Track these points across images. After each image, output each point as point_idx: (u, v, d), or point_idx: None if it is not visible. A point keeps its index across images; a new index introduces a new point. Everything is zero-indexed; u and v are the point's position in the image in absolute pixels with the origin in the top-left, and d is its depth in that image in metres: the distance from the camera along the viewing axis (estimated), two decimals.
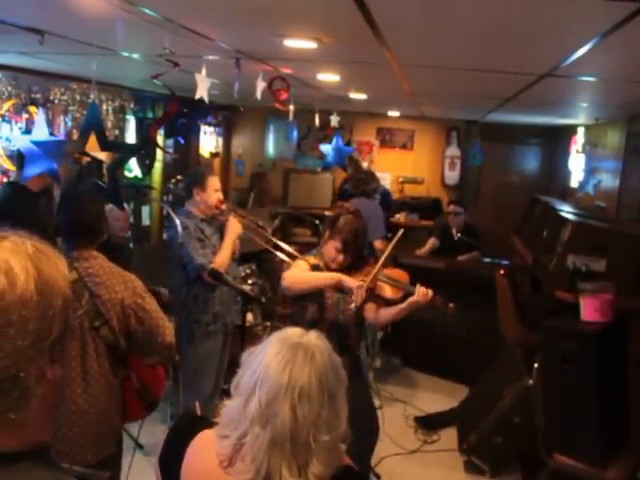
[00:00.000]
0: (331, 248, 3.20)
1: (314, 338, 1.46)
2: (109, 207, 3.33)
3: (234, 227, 3.78)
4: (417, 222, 7.97)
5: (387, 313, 3.32)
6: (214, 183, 3.75)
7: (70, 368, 2.46)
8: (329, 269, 3.24)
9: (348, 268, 3.24)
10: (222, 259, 3.65)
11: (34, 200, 3.45)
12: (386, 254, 3.27)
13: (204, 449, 1.47)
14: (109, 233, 3.59)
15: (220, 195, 3.79)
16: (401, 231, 3.31)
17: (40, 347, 0.92)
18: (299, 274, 3.20)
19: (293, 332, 1.48)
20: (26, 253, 0.94)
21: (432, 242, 6.32)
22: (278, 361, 1.38)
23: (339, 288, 3.22)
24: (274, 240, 3.96)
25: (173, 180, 6.88)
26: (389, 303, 3.27)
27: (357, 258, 3.26)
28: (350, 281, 3.11)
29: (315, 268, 3.22)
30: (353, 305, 3.09)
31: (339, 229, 3.19)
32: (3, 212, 3.35)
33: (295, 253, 3.69)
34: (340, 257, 3.19)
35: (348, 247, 3.18)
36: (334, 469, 1.40)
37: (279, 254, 3.94)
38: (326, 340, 1.50)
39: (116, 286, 2.55)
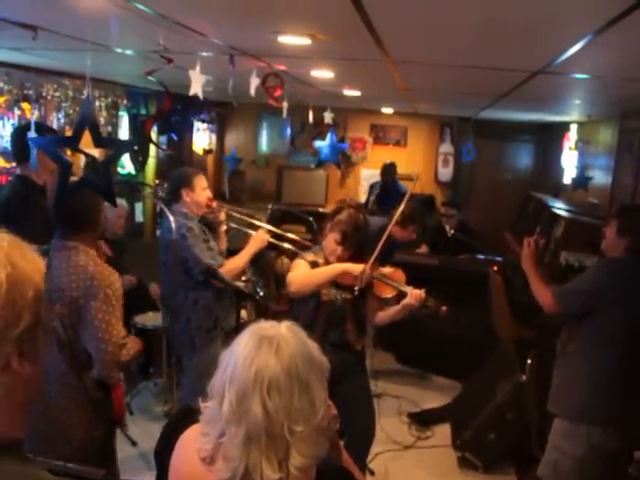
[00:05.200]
0: (331, 240, 3.20)
1: (281, 329, 1.45)
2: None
3: (260, 239, 3.69)
4: None
5: (383, 314, 3.33)
6: (201, 182, 3.68)
7: None
8: (328, 264, 3.23)
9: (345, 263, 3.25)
10: (234, 266, 3.59)
11: (41, 193, 3.44)
12: (377, 252, 3.28)
13: (191, 443, 1.48)
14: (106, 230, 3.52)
15: (209, 193, 3.73)
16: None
17: (5, 335, 0.95)
18: (305, 275, 3.14)
19: (260, 326, 1.47)
20: (1, 247, 0.98)
21: (424, 249, 6.31)
22: (244, 357, 1.38)
23: (337, 283, 3.22)
24: (275, 230, 3.90)
25: (157, 181, 6.86)
26: (383, 301, 3.29)
27: (356, 253, 3.25)
28: (354, 268, 3.12)
29: (314, 265, 3.21)
30: (357, 287, 3.10)
31: (339, 221, 3.19)
32: (14, 206, 3.33)
33: (297, 238, 3.65)
34: (339, 250, 3.18)
35: (347, 239, 3.17)
36: (316, 460, 1.40)
37: (285, 245, 3.88)
38: (297, 329, 1.47)
39: (73, 282, 2.41)
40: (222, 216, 3.81)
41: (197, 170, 3.92)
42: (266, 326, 1.46)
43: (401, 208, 3.61)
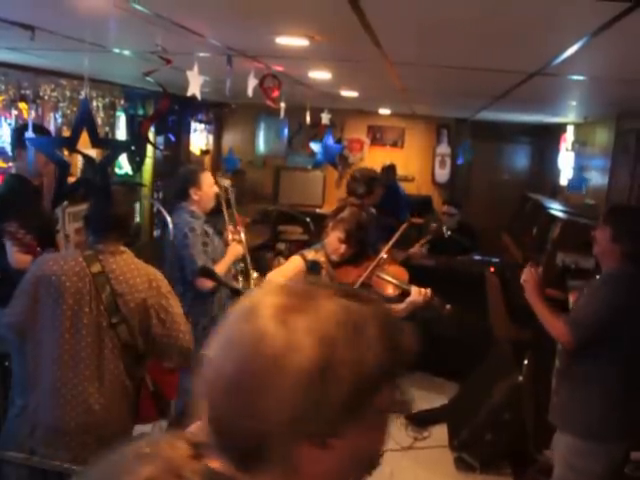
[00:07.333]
0: (334, 238, 3.20)
1: None
2: None
3: (236, 251, 3.79)
4: (409, 220, 7.96)
5: None
6: (208, 179, 3.79)
7: (85, 366, 2.40)
8: (330, 262, 3.23)
9: (348, 261, 3.24)
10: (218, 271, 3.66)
11: (36, 193, 3.44)
12: (384, 251, 3.28)
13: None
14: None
15: (215, 190, 3.83)
16: (402, 227, 3.37)
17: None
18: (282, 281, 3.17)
19: None
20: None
21: (417, 248, 6.29)
22: None
23: (338, 282, 3.22)
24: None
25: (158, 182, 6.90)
26: (385, 299, 3.29)
27: (359, 252, 3.25)
28: None
29: (312, 265, 3.21)
30: None
31: (343, 219, 3.20)
32: (8, 204, 3.32)
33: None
34: (342, 248, 3.18)
35: (351, 237, 3.18)
36: None
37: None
38: None
39: (140, 285, 2.49)
40: (241, 241, 3.83)
41: (202, 167, 3.97)
42: None
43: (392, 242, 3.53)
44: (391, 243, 3.35)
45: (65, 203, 4.01)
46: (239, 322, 0.83)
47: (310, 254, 3.26)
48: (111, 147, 2.56)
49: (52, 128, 4.86)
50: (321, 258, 3.24)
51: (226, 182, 4.03)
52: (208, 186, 3.75)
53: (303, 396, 0.78)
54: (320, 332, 0.79)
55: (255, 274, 3.67)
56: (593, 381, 2.88)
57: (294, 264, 3.23)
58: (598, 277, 2.99)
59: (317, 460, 0.82)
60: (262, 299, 0.83)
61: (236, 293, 3.30)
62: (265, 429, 0.79)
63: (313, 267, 3.22)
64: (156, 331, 2.50)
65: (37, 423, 2.41)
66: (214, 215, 4.01)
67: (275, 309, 0.81)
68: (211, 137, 8.61)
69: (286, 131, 8.59)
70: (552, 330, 2.90)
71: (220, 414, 0.81)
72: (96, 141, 2.27)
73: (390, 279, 3.24)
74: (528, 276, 3.05)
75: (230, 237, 3.83)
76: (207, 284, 3.53)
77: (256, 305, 0.83)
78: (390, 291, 3.24)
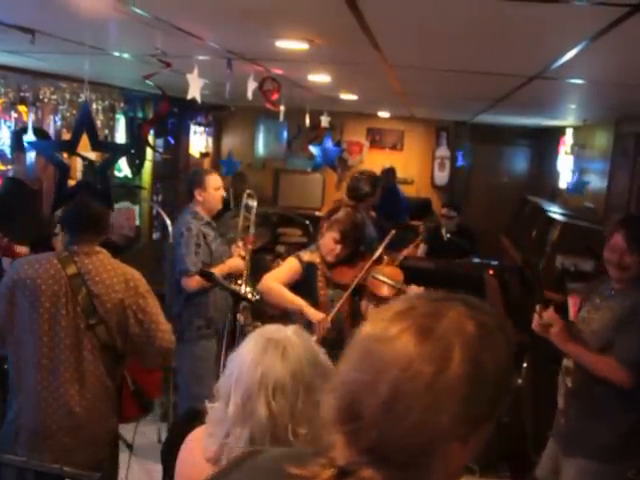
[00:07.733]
0: (329, 239, 3.21)
1: (288, 332, 1.47)
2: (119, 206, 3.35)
3: (235, 264, 3.77)
4: (407, 222, 7.98)
5: None
6: (214, 181, 3.75)
7: (65, 369, 2.39)
8: (325, 263, 3.24)
9: (343, 262, 3.25)
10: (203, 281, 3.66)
11: (32, 196, 3.45)
12: (378, 252, 3.29)
13: (197, 444, 1.49)
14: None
15: (222, 192, 3.80)
16: (393, 230, 3.37)
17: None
18: (272, 287, 3.18)
19: (268, 329, 1.49)
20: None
21: (422, 248, 6.30)
22: (250, 359, 1.40)
23: (332, 286, 3.23)
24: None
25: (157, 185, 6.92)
26: (382, 301, 3.29)
27: (354, 252, 3.26)
28: (312, 314, 3.09)
29: (308, 266, 3.22)
30: (315, 337, 2.92)
31: (337, 220, 3.21)
32: (4, 206, 3.32)
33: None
34: (337, 248, 3.19)
35: (346, 238, 3.18)
36: None
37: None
38: (304, 333, 1.49)
39: (116, 285, 2.45)
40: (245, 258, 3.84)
41: (210, 170, 3.96)
42: (272, 329, 1.48)
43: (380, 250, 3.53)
44: (384, 244, 3.35)
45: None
46: (376, 346, 0.87)
47: (306, 255, 3.27)
48: (111, 150, 2.56)
49: (52, 131, 4.86)
50: (316, 259, 3.25)
51: (253, 202, 4.05)
52: (213, 188, 3.72)
53: (460, 403, 0.83)
54: (461, 341, 0.84)
55: (250, 295, 3.65)
56: (612, 403, 2.71)
57: (290, 265, 3.25)
58: (614, 292, 2.76)
59: (457, 458, 0.89)
60: (390, 326, 0.87)
61: (235, 295, 3.30)
62: (427, 440, 0.83)
63: (309, 268, 3.23)
64: (134, 331, 2.48)
65: (20, 427, 2.40)
66: (219, 217, 4.01)
67: (412, 334, 0.85)
68: (210, 140, 8.62)
69: (285, 134, 8.59)
70: (601, 371, 2.61)
71: (375, 434, 0.83)
72: (96, 144, 2.28)
73: (386, 279, 3.24)
74: (551, 320, 2.70)
75: (236, 251, 3.82)
76: (191, 285, 3.52)
77: (385, 331, 0.87)
78: (385, 292, 3.25)
